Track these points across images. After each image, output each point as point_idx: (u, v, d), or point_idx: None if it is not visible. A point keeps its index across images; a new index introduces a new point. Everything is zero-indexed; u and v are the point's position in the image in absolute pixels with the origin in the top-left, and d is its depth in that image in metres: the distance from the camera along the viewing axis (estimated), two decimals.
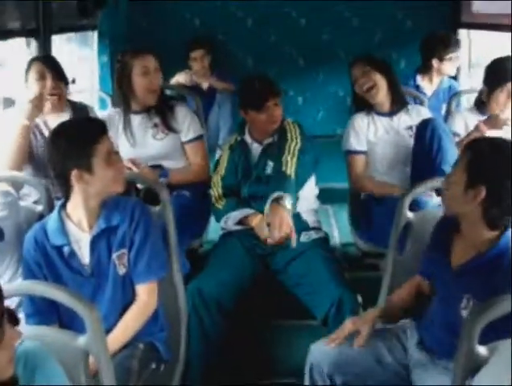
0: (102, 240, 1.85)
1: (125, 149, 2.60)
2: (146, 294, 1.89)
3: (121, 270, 1.87)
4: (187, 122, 2.65)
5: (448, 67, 3.55)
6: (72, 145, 1.76)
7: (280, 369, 2.45)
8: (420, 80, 3.61)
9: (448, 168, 2.41)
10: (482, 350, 1.41)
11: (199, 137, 2.70)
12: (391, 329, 1.89)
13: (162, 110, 2.63)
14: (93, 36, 4.02)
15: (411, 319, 1.88)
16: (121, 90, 2.61)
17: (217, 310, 2.27)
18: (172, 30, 4.30)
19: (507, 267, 1.58)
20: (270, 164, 2.47)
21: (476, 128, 2.64)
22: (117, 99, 2.67)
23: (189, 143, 2.67)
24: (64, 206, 1.86)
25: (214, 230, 2.86)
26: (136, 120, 2.63)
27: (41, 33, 3.04)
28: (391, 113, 2.75)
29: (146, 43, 3.94)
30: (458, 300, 1.65)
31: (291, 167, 2.38)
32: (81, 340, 1.43)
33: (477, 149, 1.63)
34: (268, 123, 2.48)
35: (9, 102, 3.05)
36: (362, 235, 2.76)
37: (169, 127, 2.62)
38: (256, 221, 2.40)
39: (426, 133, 2.52)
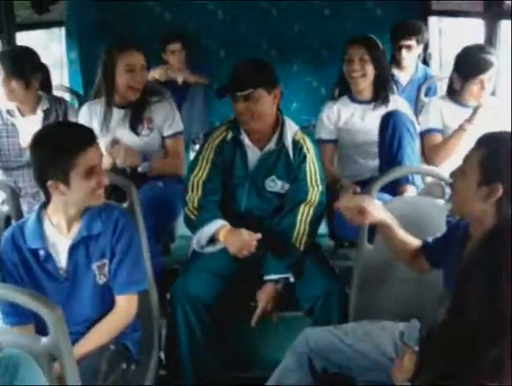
0: (82, 248, 1.83)
1: (102, 141, 2.56)
2: (125, 304, 1.87)
3: (101, 279, 1.86)
4: (169, 118, 2.67)
5: (405, 55, 3.55)
6: (50, 155, 1.71)
7: (266, 361, 2.43)
8: (394, 69, 3.61)
9: (408, 163, 2.43)
10: None
11: (179, 133, 2.73)
12: (382, 326, 1.90)
13: (144, 107, 2.63)
14: (61, 33, 3.96)
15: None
16: (104, 83, 2.60)
17: (205, 311, 2.22)
18: (142, 25, 4.25)
19: None
20: (278, 182, 2.31)
21: (460, 127, 2.60)
22: (99, 91, 2.65)
23: (170, 138, 2.70)
24: (44, 206, 1.83)
25: None
26: (118, 114, 2.63)
27: (4, 30, 2.98)
28: (370, 102, 2.75)
29: (115, 38, 3.90)
30: None
31: (301, 241, 2.27)
32: (44, 341, 1.41)
33: (493, 144, 1.56)
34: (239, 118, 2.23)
35: None
36: (334, 225, 2.76)
37: (152, 123, 2.63)
38: (224, 234, 2.19)
39: (388, 126, 2.53)
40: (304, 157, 2.29)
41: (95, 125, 2.62)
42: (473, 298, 1.07)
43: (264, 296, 2.23)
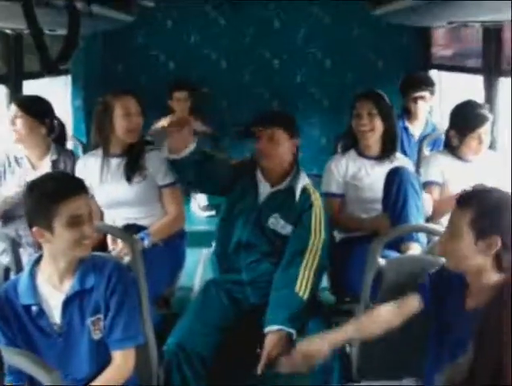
0: (75, 303, 1.80)
1: (100, 192, 2.60)
2: (122, 359, 1.82)
3: (96, 335, 1.81)
4: (164, 166, 2.60)
5: (421, 106, 3.55)
6: (36, 202, 1.72)
7: None
8: (407, 122, 3.61)
9: (413, 221, 2.44)
10: None
11: (176, 182, 2.65)
12: None
13: (140, 153, 2.62)
14: (67, 80, 4.02)
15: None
16: (101, 131, 2.59)
17: (201, 364, 2.18)
18: (147, 74, 4.33)
19: None
20: (280, 221, 2.37)
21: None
22: (95, 141, 2.64)
23: (166, 188, 2.63)
24: (38, 261, 1.81)
25: (187, 275, 2.82)
26: (114, 162, 2.61)
27: (11, 79, 3.03)
28: (377, 158, 2.75)
29: (120, 87, 3.97)
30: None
31: (304, 290, 2.25)
32: None
33: (478, 203, 1.63)
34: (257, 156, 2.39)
35: None
36: (336, 281, 2.74)
37: (145, 170, 2.59)
38: None
39: (393, 183, 2.53)
40: (311, 205, 2.37)
41: (89, 178, 2.57)
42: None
43: (267, 343, 2.17)
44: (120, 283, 1.81)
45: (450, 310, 1.77)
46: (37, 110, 2.74)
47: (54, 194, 1.73)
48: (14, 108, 2.71)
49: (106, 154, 2.61)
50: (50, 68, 1.58)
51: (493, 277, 1.65)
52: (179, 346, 2.16)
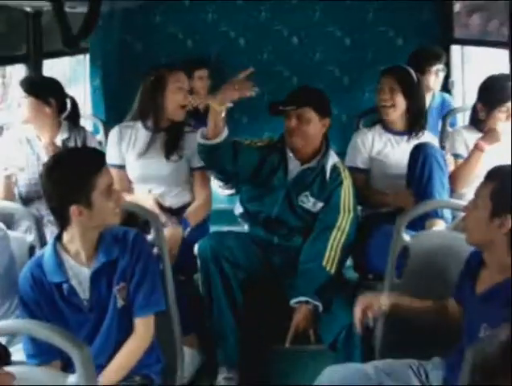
0: (102, 274, 1.82)
1: (136, 166, 2.60)
2: (143, 328, 1.86)
3: (120, 303, 1.84)
4: None
5: (431, 81, 3.52)
6: (69, 179, 1.71)
7: None
8: None
9: (437, 197, 2.41)
10: None
11: None
12: (408, 364, 1.86)
13: (182, 131, 2.62)
14: (85, 59, 4.01)
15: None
16: (151, 105, 2.57)
17: (234, 266, 2.31)
18: (165, 53, 4.28)
19: None
20: (311, 199, 2.41)
21: (476, 146, 2.62)
22: (138, 114, 2.62)
23: (200, 170, 2.65)
24: (58, 238, 1.81)
25: None
26: (151, 138, 2.61)
27: (31, 59, 3.02)
28: (403, 133, 2.72)
29: (138, 65, 3.96)
30: (478, 330, 1.63)
31: (331, 265, 2.32)
32: (71, 380, 1.38)
33: (501, 177, 1.62)
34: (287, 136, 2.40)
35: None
36: (358, 258, 2.72)
37: (183, 150, 2.60)
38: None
39: (418, 160, 2.51)
40: (341, 182, 2.42)
41: (124, 149, 2.62)
42: None
43: (296, 315, 2.25)
44: (143, 251, 1.85)
45: (464, 294, 1.78)
46: (40, 90, 2.70)
47: (87, 168, 1.73)
48: (20, 89, 2.69)
49: (155, 129, 2.59)
50: (71, 43, 1.57)
51: (507, 261, 1.62)
52: (212, 245, 2.30)
